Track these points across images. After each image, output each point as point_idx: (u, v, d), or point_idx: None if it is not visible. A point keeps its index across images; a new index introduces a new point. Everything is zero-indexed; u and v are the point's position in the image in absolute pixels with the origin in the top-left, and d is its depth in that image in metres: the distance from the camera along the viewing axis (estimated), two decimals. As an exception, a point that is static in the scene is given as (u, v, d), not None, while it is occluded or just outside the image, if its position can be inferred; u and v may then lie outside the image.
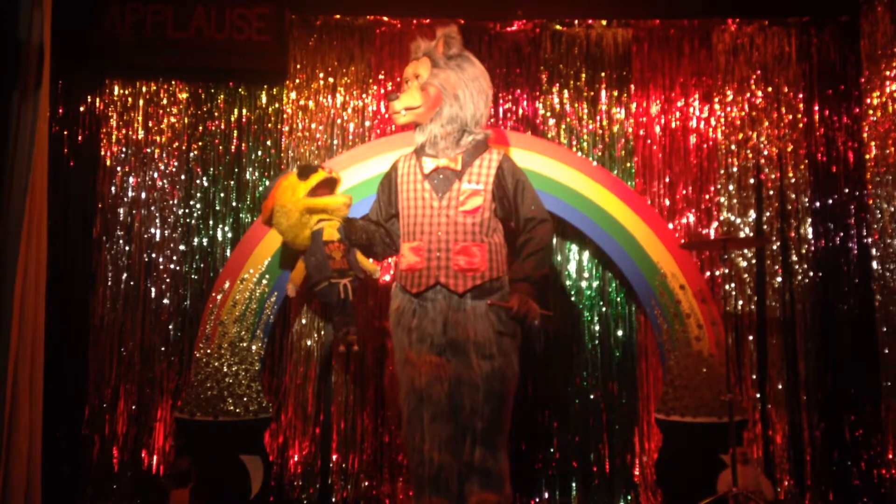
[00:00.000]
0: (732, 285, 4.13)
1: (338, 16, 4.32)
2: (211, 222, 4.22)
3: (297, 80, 4.31)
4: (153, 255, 4.16)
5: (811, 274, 4.13)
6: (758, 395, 4.06)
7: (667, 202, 4.23)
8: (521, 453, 3.97)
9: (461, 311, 3.11)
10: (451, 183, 3.22)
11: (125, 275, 4.13)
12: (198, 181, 4.24)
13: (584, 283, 4.21)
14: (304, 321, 4.14)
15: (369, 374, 4.12)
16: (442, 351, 3.12)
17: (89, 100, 4.24)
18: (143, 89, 4.27)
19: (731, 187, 4.22)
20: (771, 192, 4.21)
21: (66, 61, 3.79)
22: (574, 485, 4.02)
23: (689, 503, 3.32)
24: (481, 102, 3.29)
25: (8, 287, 2.72)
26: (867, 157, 4.07)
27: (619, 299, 4.20)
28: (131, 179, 4.21)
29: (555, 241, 4.05)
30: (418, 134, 3.31)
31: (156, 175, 4.22)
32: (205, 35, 4.09)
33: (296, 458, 4.04)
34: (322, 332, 4.12)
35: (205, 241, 4.21)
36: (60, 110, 4.17)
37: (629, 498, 3.97)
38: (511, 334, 3.16)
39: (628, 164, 4.26)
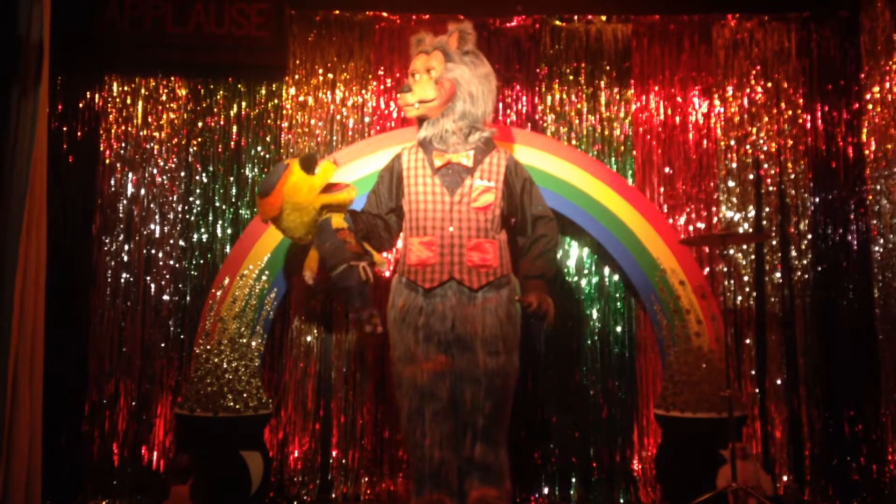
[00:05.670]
0: (732, 281, 4.13)
1: (337, 11, 4.31)
2: (210, 218, 4.21)
3: (297, 76, 4.30)
4: (153, 252, 4.15)
5: (811, 269, 4.14)
6: (757, 391, 4.06)
7: (669, 197, 4.23)
8: (521, 448, 3.97)
9: (471, 305, 3.12)
10: (462, 179, 3.22)
11: (125, 271, 4.12)
12: (197, 177, 4.23)
13: (583, 279, 4.21)
14: (303, 317, 4.14)
15: (369, 369, 4.12)
16: (447, 348, 3.12)
17: (88, 96, 4.23)
18: (143, 85, 4.26)
19: (730, 183, 4.22)
20: (771, 188, 4.21)
21: (65, 57, 3.77)
22: (573, 480, 4.03)
23: (688, 499, 3.32)
24: (490, 101, 3.31)
25: (8, 283, 2.72)
26: (867, 152, 4.07)
27: (618, 295, 4.20)
28: (130, 175, 4.20)
29: (556, 237, 4.06)
30: (426, 128, 3.29)
31: (155, 171, 4.21)
32: (204, 30, 4.07)
33: (296, 454, 4.04)
34: (321, 328, 4.12)
35: (204, 237, 4.20)
36: (60, 107, 4.16)
37: (628, 493, 3.97)
38: (515, 331, 3.19)
39: (627, 160, 4.26)
